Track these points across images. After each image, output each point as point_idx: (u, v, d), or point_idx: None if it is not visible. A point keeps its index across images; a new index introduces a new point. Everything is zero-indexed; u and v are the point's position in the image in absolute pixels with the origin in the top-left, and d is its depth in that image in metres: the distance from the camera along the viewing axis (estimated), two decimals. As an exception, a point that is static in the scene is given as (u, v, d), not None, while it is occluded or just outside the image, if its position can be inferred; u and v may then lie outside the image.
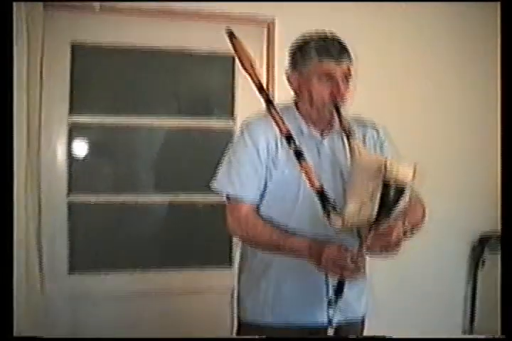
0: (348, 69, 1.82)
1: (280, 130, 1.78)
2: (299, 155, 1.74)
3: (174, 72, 2.94)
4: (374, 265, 2.91)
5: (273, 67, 2.88)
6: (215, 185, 1.89)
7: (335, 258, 1.63)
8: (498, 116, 2.83)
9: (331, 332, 1.79)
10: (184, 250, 2.98)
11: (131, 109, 2.91)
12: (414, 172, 1.58)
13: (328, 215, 1.67)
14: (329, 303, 1.76)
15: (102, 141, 2.93)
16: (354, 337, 1.93)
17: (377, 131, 1.98)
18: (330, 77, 1.79)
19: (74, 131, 2.81)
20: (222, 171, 1.89)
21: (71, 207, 2.81)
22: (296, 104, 1.92)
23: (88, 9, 2.69)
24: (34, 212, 2.60)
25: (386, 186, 1.57)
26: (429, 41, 3.18)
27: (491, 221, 3.18)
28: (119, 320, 2.79)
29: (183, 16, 2.82)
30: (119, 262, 2.91)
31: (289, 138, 1.77)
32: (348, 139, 1.78)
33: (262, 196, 1.86)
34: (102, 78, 2.89)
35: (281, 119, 1.78)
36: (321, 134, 1.89)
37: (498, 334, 2.00)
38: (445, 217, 3.13)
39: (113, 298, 2.82)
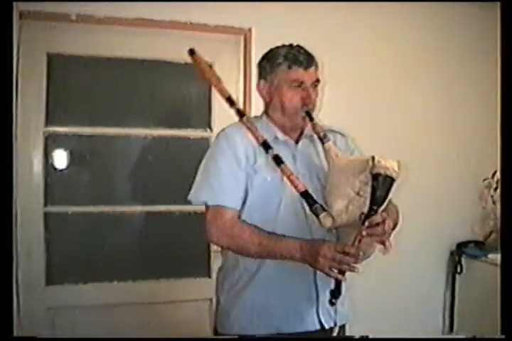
0: (316, 75, 1.88)
1: (256, 138, 1.83)
2: (278, 160, 1.78)
3: (151, 82, 2.94)
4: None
5: (250, 75, 2.89)
6: (194, 194, 1.87)
7: (333, 255, 1.63)
8: (498, 116, 2.79)
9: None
10: (163, 260, 2.96)
11: (108, 119, 2.89)
12: (399, 167, 1.64)
13: (317, 215, 1.70)
14: (330, 304, 1.74)
15: (78, 152, 2.90)
16: (353, 337, 1.96)
17: (346, 139, 2.03)
18: (299, 83, 1.85)
19: (50, 142, 2.79)
20: (199, 180, 1.88)
21: (48, 217, 2.78)
22: (267, 113, 1.96)
23: (64, 19, 2.67)
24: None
25: (376, 178, 1.61)
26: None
27: (469, 227, 3.23)
28: (97, 330, 2.74)
29: (159, 26, 2.81)
30: (98, 273, 2.88)
31: (265, 146, 1.81)
32: (323, 143, 1.83)
33: (243, 203, 1.85)
34: (78, 88, 2.86)
35: (256, 128, 1.84)
36: (295, 140, 1.94)
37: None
38: (424, 223, 3.17)
39: (91, 309, 2.79)
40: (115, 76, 2.90)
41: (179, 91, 3.01)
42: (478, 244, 3.26)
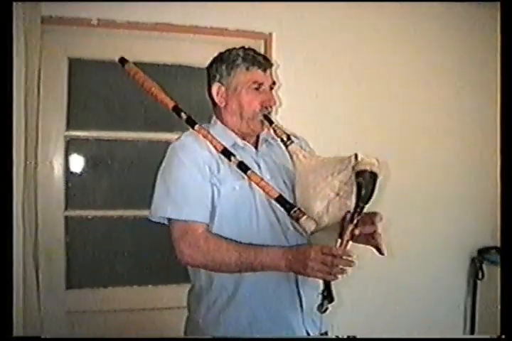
0: (272, 78, 1.83)
1: (214, 147, 1.73)
2: (243, 167, 1.69)
3: (172, 86, 2.93)
4: (373, 276, 2.97)
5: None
6: (155, 211, 1.74)
7: (323, 258, 1.54)
8: (498, 116, 2.75)
9: None
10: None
11: (129, 124, 2.90)
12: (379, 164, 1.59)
13: (298, 220, 1.62)
14: (321, 309, 1.62)
15: (99, 156, 2.91)
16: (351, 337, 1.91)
17: (302, 141, 1.96)
18: (259, 85, 1.77)
19: (71, 146, 2.80)
20: (159, 195, 1.74)
21: (68, 221, 2.79)
22: (220, 119, 1.85)
23: (86, 24, 2.68)
24: (31, 227, 2.58)
25: (361, 175, 1.56)
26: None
27: (490, 232, 3.19)
28: (116, 334, 2.74)
29: (180, 30, 2.82)
30: (117, 277, 2.89)
31: (226, 153, 1.71)
32: (286, 145, 1.75)
33: (212, 216, 1.72)
34: (99, 93, 2.88)
35: (212, 136, 1.74)
36: (255, 146, 1.85)
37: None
38: (445, 228, 3.15)
39: (111, 313, 2.80)
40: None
41: (200, 95, 2.98)
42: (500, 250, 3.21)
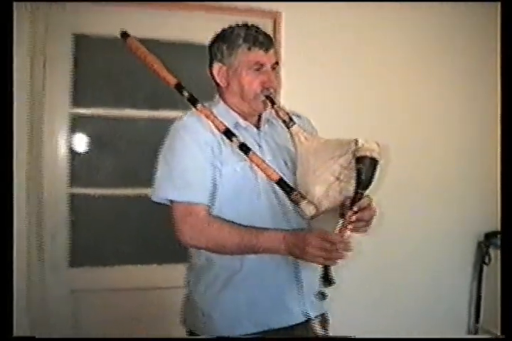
0: (276, 57, 1.77)
1: (217, 127, 1.70)
2: (245, 148, 1.68)
3: (180, 64, 2.88)
4: (376, 262, 2.96)
5: (279, 59, 2.83)
6: (157, 192, 1.73)
7: (321, 244, 1.53)
8: (498, 116, 2.81)
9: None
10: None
11: (134, 102, 2.87)
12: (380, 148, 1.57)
13: (298, 203, 1.61)
14: (322, 295, 1.61)
15: (105, 133, 2.88)
16: (350, 337, 1.89)
17: (305, 121, 1.91)
18: (260, 66, 1.73)
19: (76, 123, 2.77)
20: (161, 176, 1.72)
21: (72, 199, 2.77)
22: (223, 99, 1.82)
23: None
24: (36, 205, 2.58)
25: (361, 161, 1.54)
26: (429, 41, 3.17)
27: (497, 217, 3.16)
28: (120, 313, 2.75)
29: (189, 8, 2.78)
30: (122, 255, 2.88)
31: (228, 134, 1.69)
32: (288, 127, 1.71)
33: (213, 198, 1.70)
34: (105, 70, 2.84)
35: (215, 116, 1.71)
36: (257, 126, 1.82)
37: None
38: (450, 212, 3.13)
39: (115, 292, 2.79)
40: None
41: (207, 74, 2.96)
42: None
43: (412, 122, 3.12)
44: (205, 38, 2.68)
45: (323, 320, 1.85)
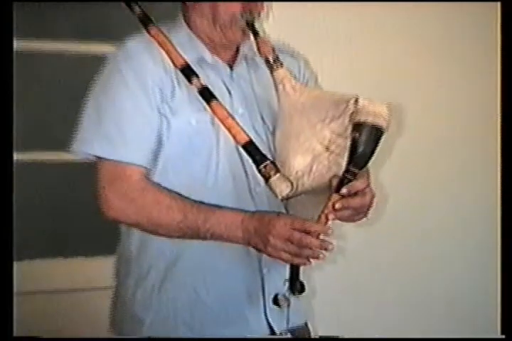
0: None
1: (172, 61, 1.28)
2: (207, 94, 1.26)
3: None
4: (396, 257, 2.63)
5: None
6: (80, 145, 1.30)
7: (291, 234, 1.15)
8: (498, 115, 2.65)
9: None
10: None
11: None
12: (390, 114, 1.19)
13: (268, 178, 1.21)
14: (285, 301, 1.27)
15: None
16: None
17: (299, 63, 1.50)
18: None
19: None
20: (88, 125, 1.29)
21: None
22: (187, 21, 1.36)
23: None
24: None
25: (359, 129, 1.17)
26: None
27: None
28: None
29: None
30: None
31: (187, 71, 1.26)
32: (272, 70, 1.30)
33: (155, 158, 1.29)
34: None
35: (172, 45, 1.29)
36: (230, 64, 1.38)
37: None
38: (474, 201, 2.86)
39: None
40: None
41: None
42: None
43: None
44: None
45: (300, 334, 1.43)
